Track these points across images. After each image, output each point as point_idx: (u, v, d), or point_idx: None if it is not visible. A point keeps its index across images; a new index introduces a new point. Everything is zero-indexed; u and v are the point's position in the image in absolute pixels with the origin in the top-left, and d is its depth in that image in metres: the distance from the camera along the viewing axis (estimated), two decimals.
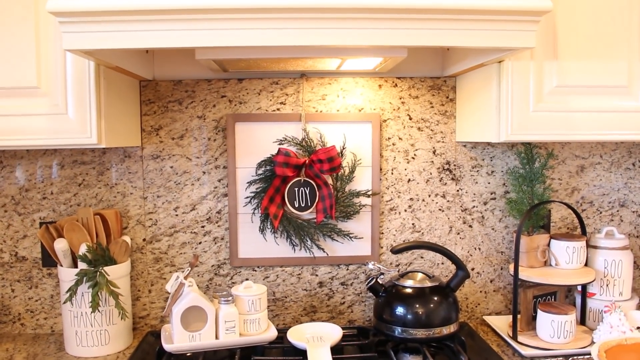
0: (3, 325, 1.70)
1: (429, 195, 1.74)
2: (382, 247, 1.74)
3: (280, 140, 1.67)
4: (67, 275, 1.49)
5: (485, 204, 1.75)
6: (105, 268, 1.49)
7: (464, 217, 1.75)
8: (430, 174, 1.73)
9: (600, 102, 1.43)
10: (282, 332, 1.54)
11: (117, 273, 1.53)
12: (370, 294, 1.70)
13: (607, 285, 1.61)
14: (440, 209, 1.75)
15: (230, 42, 1.15)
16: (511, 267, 1.61)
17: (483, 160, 1.74)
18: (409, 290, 1.51)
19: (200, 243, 1.71)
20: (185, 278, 1.43)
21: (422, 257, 1.76)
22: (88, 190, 1.68)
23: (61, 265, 1.52)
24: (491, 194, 1.75)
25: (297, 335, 1.52)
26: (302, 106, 1.69)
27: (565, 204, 1.63)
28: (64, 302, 1.49)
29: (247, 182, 1.68)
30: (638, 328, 1.50)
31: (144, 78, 1.63)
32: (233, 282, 1.72)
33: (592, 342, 1.49)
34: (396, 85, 1.71)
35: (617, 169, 1.78)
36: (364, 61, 1.48)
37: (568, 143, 1.75)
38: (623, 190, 1.78)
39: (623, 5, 1.40)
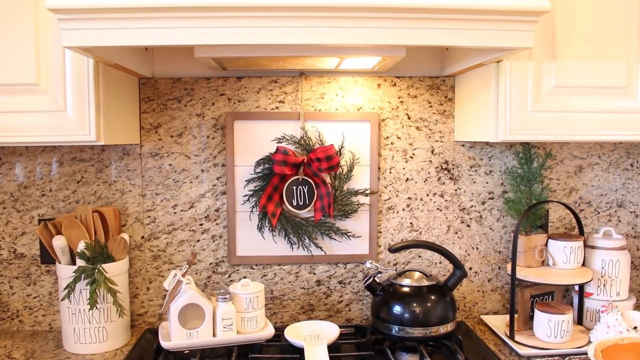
0: (1, 322, 1.71)
1: (427, 195, 1.74)
2: (380, 246, 1.75)
3: (279, 138, 1.67)
4: (65, 272, 1.50)
5: (483, 203, 1.76)
6: (104, 265, 1.49)
7: (462, 217, 1.76)
8: (429, 173, 1.74)
9: (599, 103, 1.43)
10: (279, 330, 1.54)
11: (115, 270, 1.53)
12: (368, 292, 1.70)
13: (604, 285, 1.62)
14: (438, 208, 1.75)
15: (229, 41, 1.15)
16: (509, 266, 1.61)
17: (481, 159, 1.74)
18: (406, 289, 1.51)
19: (198, 241, 1.71)
20: (183, 276, 1.43)
21: (419, 256, 1.76)
22: (87, 188, 1.68)
23: (59, 262, 1.53)
24: (489, 193, 1.76)
25: (295, 334, 1.52)
26: (301, 105, 1.69)
27: (563, 204, 1.64)
28: (62, 299, 1.49)
29: (246, 180, 1.68)
30: (635, 328, 1.51)
31: (143, 76, 1.63)
32: (231, 280, 1.73)
33: (589, 342, 1.50)
34: (395, 84, 1.71)
35: (615, 169, 1.78)
36: (363, 60, 1.48)
37: (566, 143, 1.75)
38: (621, 191, 1.79)
39: (622, 6, 1.40)
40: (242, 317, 1.46)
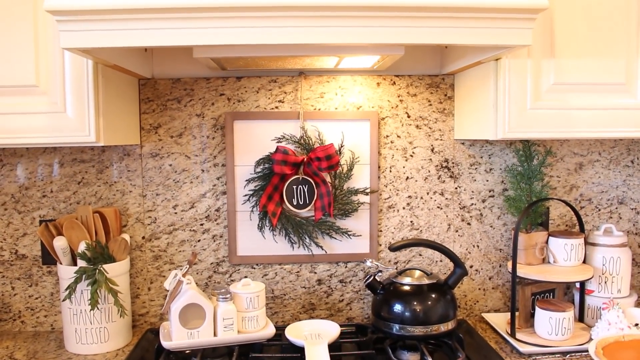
0: (3, 323, 1.71)
1: (428, 193, 1.74)
2: (380, 245, 1.75)
3: (279, 138, 1.68)
4: (66, 273, 1.50)
5: (483, 201, 1.76)
6: (104, 266, 1.50)
7: (463, 215, 1.76)
8: (429, 171, 1.74)
9: (598, 100, 1.43)
10: (280, 330, 1.54)
11: (116, 271, 1.53)
12: (369, 291, 1.70)
13: (605, 282, 1.62)
14: (438, 207, 1.75)
15: (227, 41, 1.15)
16: (509, 264, 1.61)
17: (481, 157, 1.74)
18: (406, 288, 1.51)
19: (199, 241, 1.72)
20: (184, 275, 1.44)
21: (420, 255, 1.76)
22: (87, 189, 1.69)
23: (61, 263, 1.53)
24: (489, 191, 1.76)
25: (295, 333, 1.52)
26: (301, 104, 1.69)
27: (563, 201, 1.64)
28: (63, 300, 1.50)
29: (246, 180, 1.69)
30: (636, 325, 1.51)
31: (143, 76, 1.63)
32: (232, 280, 1.73)
33: (590, 339, 1.49)
34: (394, 83, 1.71)
35: (615, 166, 1.78)
36: (362, 59, 1.48)
37: (566, 140, 1.75)
38: (622, 188, 1.78)
39: (621, 3, 1.40)
40: (243, 316, 1.46)
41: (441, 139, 1.73)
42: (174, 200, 1.70)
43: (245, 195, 1.69)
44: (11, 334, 1.68)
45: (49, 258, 1.66)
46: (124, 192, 1.69)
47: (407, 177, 1.73)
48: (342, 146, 1.69)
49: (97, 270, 1.47)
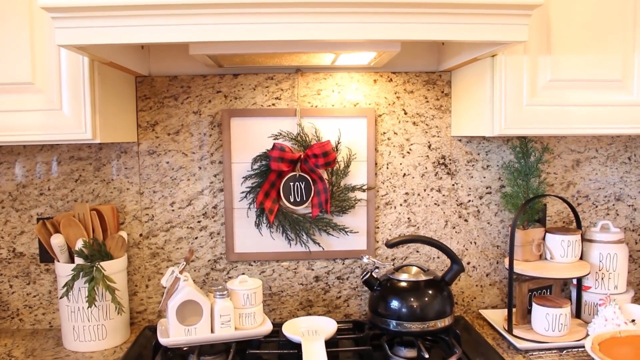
0: (2, 321, 1.71)
1: (425, 190, 1.74)
2: (377, 242, 1.75)
3: (276, 135, 1.68)
4: (63, 270, 1.50)
5: (480, 198, 1.76)
6: (102, 263, 1.50)
7: (460, 212, 1.76)
8: (426, 168, 1.74)
9: (595, 96, 1.43)
10: (278, 326, 1.54)
11: (114, 268, 1.53)
12: (366, 288, 1.70)
13: (602, 278, 1.62)
14: (435, 203, 1.75)
15: (224, 37, 1.15)
16: (506, 261, 1.61)
17: (478, 154, 1.74)
18: (403, 284, 1.52)
19: (196, 238, 1.72)
20: (181, 272, 1.44)
21: (417, 252, 1.76)
22: (85, 186, 1.69)
23: (58, 261, 1.53)
24: (486, 188, 1.76)
25: (292, 329, 1.52)
26: (297, 101, 1.69)
27: (560, 197, 1.64)
28: (61, 297, 1.50)
29: (243, 177, 1.69)
30: (633, 321, 1.51)
31: (139, 74, 1.63)
32: (229, 277, 1.73)
33: (587, 335, 1.50)
34: (391, 80, 1.71)
35: (613, 163, 1.78)
36: (359, 56, 1.48)
37: (564, 137, 1.75)
38: (619, 185, 1.79)
39: None
40: (240, 313, 1.47)
41: (438, 136, 1.73)
42: (171, 197, 1.70)
43: (243, 192, 1.69)
44: (9, 332, 1.68)
45: (46, 256, 1.66)
46: (121, 189, 1.69)
47: (404, 174, 1.74)
48: (339, 143, 1.69)
49: (95, 268, 1.47)
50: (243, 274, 1.72)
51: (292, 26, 1.15)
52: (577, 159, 1.77)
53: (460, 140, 1.74)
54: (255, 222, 1.70)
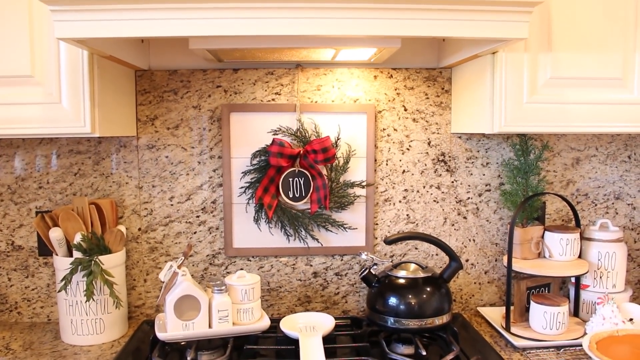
0: (0, 314, 1.72)
1: (424, 187, 1.74)
2: (376, 238, 1.75)
3: (275, 130, 1.67)
4: (62, 264, 1.50)
5: (480, 195, 1.76)
6: (100, 257, 1.50)
7: (459, 209, 1.76)
8: (425, 165, 1.73)
9: (595, 94, 1.42)
10: (276, 322, 1.54)
11: (112, 262, 1.53)
12: (365, 284, 1.70)
13: (600, 277, 1.62)
14: (435, 200, 1.75)
15: (224, 32, 1.15)
16: (505, 258, 1.61)
17: (478, 151, 1.74)
18: (401, 281, 1.52)
19: (195, 233, 1.72)
20: (179, 267, 1.44)
21: (416, 249, 1.76)
22: (84, 180, 1.69)
23: (56, 254, 1.53)
24: (486, 185, 1.76)
25: (290, 325, 1.52)
26: (297, 97, 1.69)
27: (559, 195, 1.63)
28: (59, 291, 1.50)
29: (242, 172, 1.68)
30: (631, 320, 1.51)
31: (139, 68, 1.63)
32: (228, 272, 1.73)
33: (585, 334, 1.50)
34: (391, 76, 1.70)
35: (612, 161, 1.77)
36: (359, 52, 1.48)
37: (564, 135, 1.75)
38: (618, 183, 1.78)
39: None
40: (238, 308, 1.47)
41: (438, 133, 1.73)
42: (170, 192, 1.70)
43: (242, 187, 1.69)
44: (7, 325, 1.69)
45: (45, 249, 1.66)
46: (120, 183, 1.69)
47: (404, 171, 1.73)
48: (338, 139, 1.69)
49: (93, 262, 1.47)
50: (241, 269, 1.72)
51: (293, 21, 1.15)
52: (577, 157, 1.76)
53: (460, 137, 1.73)
54: (254, 217, 1.70)
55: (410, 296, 1.49)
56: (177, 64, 1.67)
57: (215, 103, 1.68)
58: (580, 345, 1.45)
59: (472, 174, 1.75)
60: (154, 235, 1.71)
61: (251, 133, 1.68)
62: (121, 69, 1.55)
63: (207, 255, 1.73)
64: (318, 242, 1.72)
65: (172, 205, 1.70)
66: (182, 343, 1.48)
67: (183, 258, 1.46)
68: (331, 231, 1.72)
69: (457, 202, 1.75)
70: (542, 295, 1.56)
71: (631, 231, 1.81)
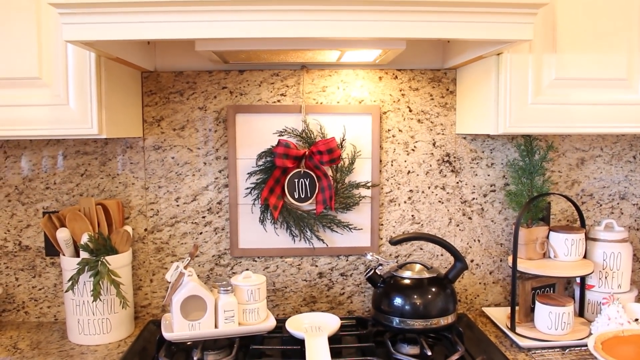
0: (7, 314, 1.73)
1: (429, 187, 1.75)
2: (381, 239, 1.75)
3: (280, 131, 1.68)
4: (69, 264, 1.51)
5: (484, 196, 1.76)
6: (107, 257, 1.51)
7: (464, 209, 1.76)
8: (430, 165, 1.74)
9: (599, 95, 1.42)
10: (281, 322, 1.55)
11: (119, 262, 1.54)
12: (370, 284, 1.70)
13: (605, 277, 1.62)
14: (439, 201, 1.75)
15: (230, 34, 1.16)
16: (510, 259, 1.61)
17: (483, 152, 1.74)
18: (406, 281, 1.52)
19: (201, 233, 1.72)
20: (185, 268, 1.45)
21: (421, 249, 1.77)
22: (90, 181, 1.70)
23: (63, 255, 1.54)
24: (491, 186, 1.76)
25: (296, 325, 1.53)
26: (303, 98, 1.70)
27: (564, 196, 1.64)
28: (66, 291, 1.51)
29: (248, 173, 1.69)
30: (636, 320, 1.51)
31: (145, 69, 1.64)
32: (233, 272, 1.74)
33: (590, 334, 1.50)
34: (396, 77, 1.71)
35: (617, 161, 1.77)
36: (364, 53, 1.48)
37: (568, 136, 1.75)
38: (623, 183, 1.78)
39: None
40: (244, 308, 1.47)
41: (443, 134, 1.73)
42: (176, 192, 1.71)
43: (247, 188, 1.70)
44: (15, 324, 1.70)
45: (52, 249, 1.67)
46: (126, 184, 1.70)
47: (409, 171, 1.74)
48: (343, 140, 1.69)
49: (100, 262, 1.48)
50: (247, 269, 1.73)
51: (298, 23, 1.15)
52: (582, 158, 1.76)
53: (464, 138, 1.74)
54: (260, 218, 1.71)
55: (415, 296, 1.49)
56: (183, 66, 1.68)
57: (221, 104, 1.69)
58: (586, 346, 1.46)
59: (477, 175, 1.75)
60: (160, 235, 1.72)
61: (257, 134, 1.68)
62: (127, 71, 1.56)
63: (213, 256, 1.73)
64: (323, 242, 1.72)
65: (178, 205, 1.71)
66: (189, 343, 1.49)
67: (189, 258, 1.47)
68: (336, 232, 1.73)
69: (462, 203, 1.76)
70: (547, 295, 1.56)
71: (636, 231, 1.80)
